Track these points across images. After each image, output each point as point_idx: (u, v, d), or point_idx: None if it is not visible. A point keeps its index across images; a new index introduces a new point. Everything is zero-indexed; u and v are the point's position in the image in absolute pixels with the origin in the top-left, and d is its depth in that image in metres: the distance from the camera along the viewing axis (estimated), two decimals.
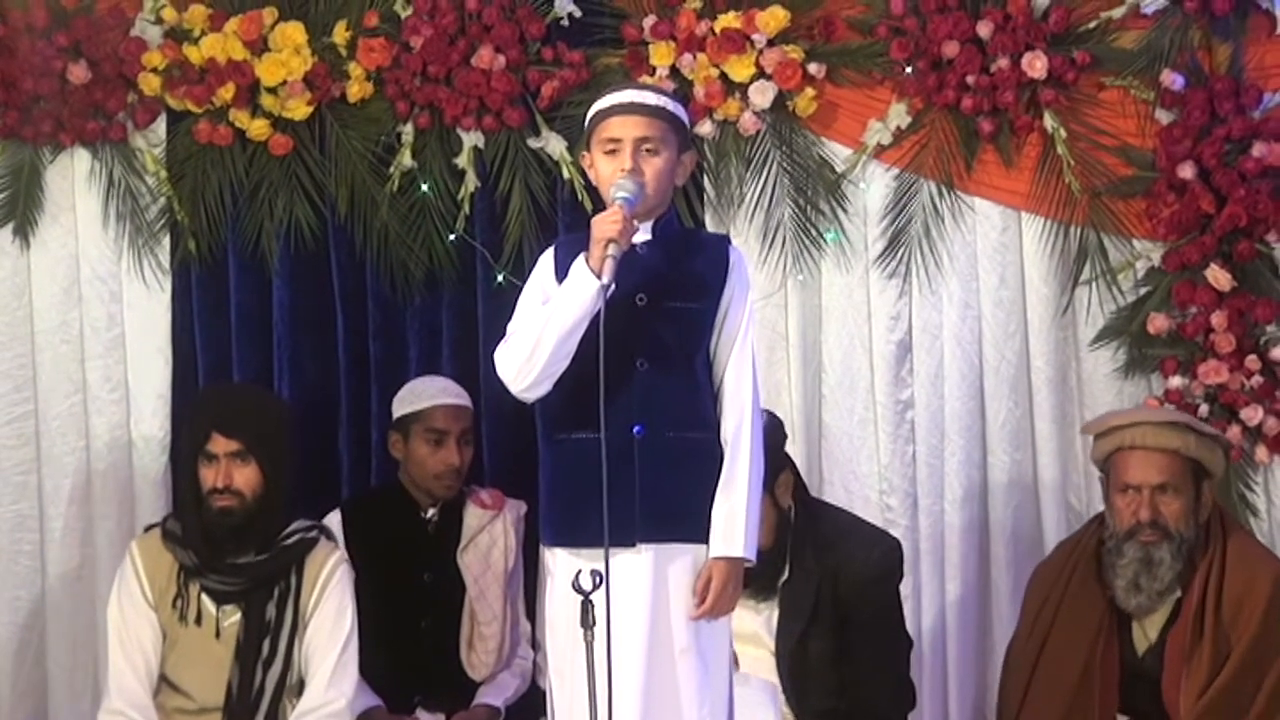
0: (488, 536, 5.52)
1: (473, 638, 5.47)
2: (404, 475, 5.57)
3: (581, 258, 3.96)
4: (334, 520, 5.38)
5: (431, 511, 5.54)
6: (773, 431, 4.84)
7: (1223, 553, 4.78)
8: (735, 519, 4.02)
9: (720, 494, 4.04)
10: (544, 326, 3.98)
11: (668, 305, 4.06)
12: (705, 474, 4.05)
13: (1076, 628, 4.84)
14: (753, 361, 4.12)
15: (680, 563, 4.05)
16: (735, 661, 4.48)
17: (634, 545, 4.01)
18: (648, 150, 4.05)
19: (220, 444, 5.02)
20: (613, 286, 3.90)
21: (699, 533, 4.04)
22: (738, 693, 4.27)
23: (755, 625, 4.90)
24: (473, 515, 5.54)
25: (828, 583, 4.88)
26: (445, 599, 5.48)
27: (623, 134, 4.04)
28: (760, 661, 4.88)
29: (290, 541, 5.07)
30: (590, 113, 4.14)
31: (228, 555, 5.01)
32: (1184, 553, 4.77)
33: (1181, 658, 4.70)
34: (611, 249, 3.89)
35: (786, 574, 4.90)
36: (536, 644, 5.56)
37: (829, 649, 4.88)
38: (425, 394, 5.56)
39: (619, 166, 4.02)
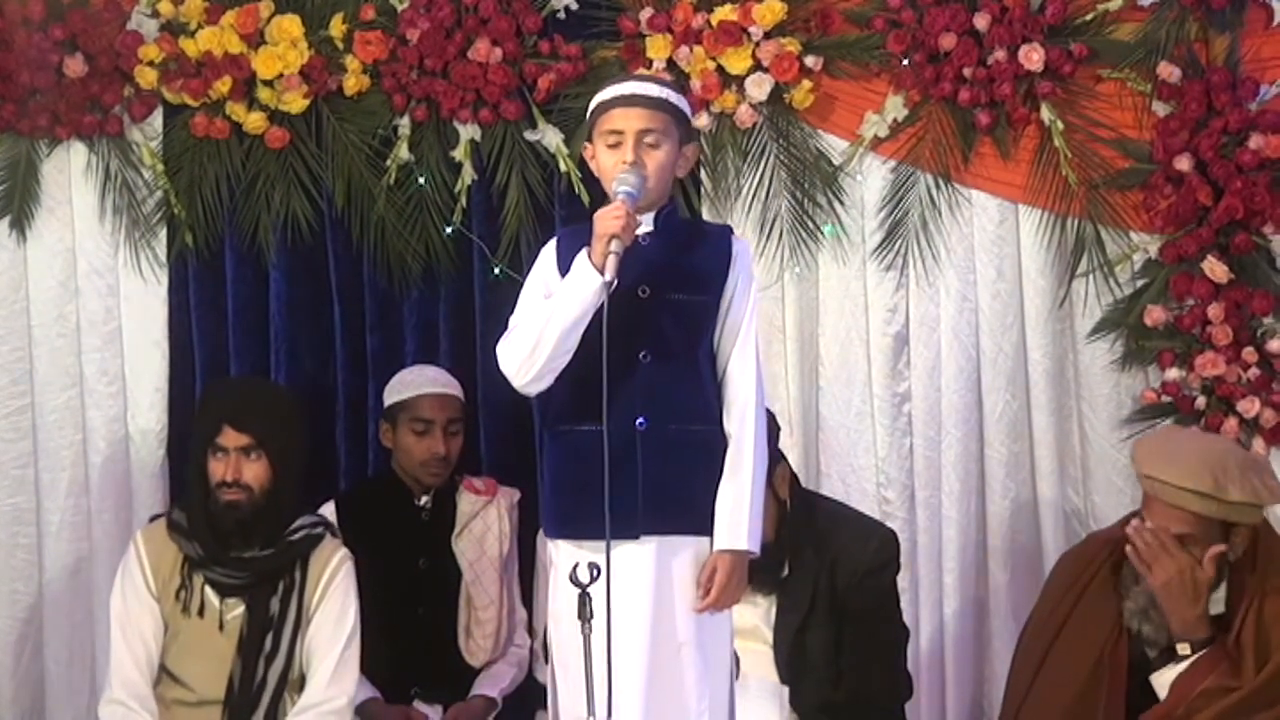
0: (481, 522, 5.54)
1: (470, 624, 5.49)
2: (395, 464, 5.60)
3: (584, 253, 3.95)
4: (328, 511, 5.38)
5: (425, 499, 5.56)
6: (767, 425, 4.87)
7: (1266, 569, 4.68)
8: (740, 512, 4.02)
9: (724, 487, 4.04)
10: (546, 322, 3.97)
11: (670, 297, 4.05)
12: (708, 466, 4.05)
13: (1094, 622, 4.78)
14: (756, 353, 4.12)
15: (683, 555, 4.06)
16: (737, 664, 4.47)
17: (636, 537, 4.00)
18: (649, 143, 4.04)
19: (231, 438, 5.01)
20: (615, 283, 3.90)
21: (702, 525, 4.05)
22: (739, 703, 4.27)
23: (755, 619, 4.90)
24: (466, 502, 5.56)
25: (825, 575, 4.89)
26: (441, 586, 5.50)
27: (625, 126, 4.04)
28: (759, 655, 4.89)
29: (296, 537, 5.06)
30: (592, 104, 4.14)
31: (233, 549, 5.01)
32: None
33: (1218, 659, 4.64)
34: (614, 245, 3.89)
35: (787, 571, 4.90)
36: (533, 631, 5.57)
37: (826, 641, 4.88)
38: (412, 383, 5.59)
39: (621, 159, 4.02)
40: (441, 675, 5.50)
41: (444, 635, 5.49)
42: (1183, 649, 4.68)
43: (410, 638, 5.45)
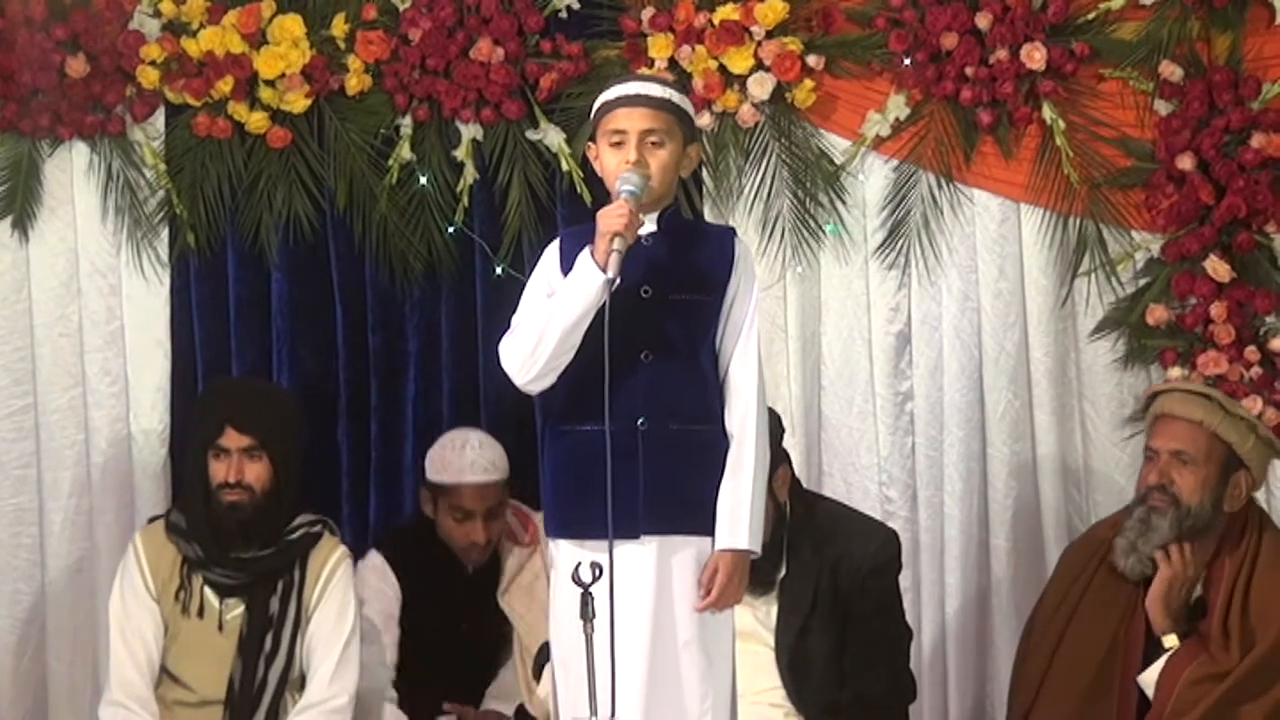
0: (529, 573, 5.51)
1: (529, 677, 5.41)
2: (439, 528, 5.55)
3: (587, 251, 3.97)
4: (375, 560, 5.40)
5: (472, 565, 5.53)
6: (771, 425, 4.85)
7: (1255, 551, 4.75)
8: (741, 511, 4.04)
9: (726, 486, 4.06)
10: (548, 320, 3.98)
11: (673, 297, 4.06)
12: (709, 466, 4.06)
13: (1104, 607, 4.85)
14: (757, 354, 4.13)
15: (684, 555, 4.07)
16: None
17: (638, 537, 4.02)
18: (653, 142, 4.05)
19: (233, 439, 5.02)
20: (618, 281, 3.91)
21: (703, 525, 4.06)
22: None
23: (753, 622, 4.88)
24: (512, 555, 5.53)
25: (826, 576, 4.88)
26: (486, 645, 5.49)
27: (628, 125, 4.05)
28: (760, 658, 4.87)
29: (294, 536, 5.08)
30: (596, 104, 4.15)
31: (234, 549, 5.02)
32: (1186, 527, 4.74)
33: (1196, 648, 4.68)
34: (617, 243, 3.90)
35: (784, 569, 4.90)
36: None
37: (829, 642, 4.88)
38: (454, 467, 5.46)
39: (624, 158, 4.03)
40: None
41: (483, 689, 5.48)
42: (1169, 641, 4.73)
43: (453, 690, 5.44)
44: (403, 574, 5.42)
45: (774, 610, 4.90)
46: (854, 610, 4.89)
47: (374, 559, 5.41)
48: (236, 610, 5.03)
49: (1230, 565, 4.77)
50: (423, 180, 5.73)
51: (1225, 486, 4.78)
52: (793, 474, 5.05)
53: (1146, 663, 4.78)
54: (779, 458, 4.86)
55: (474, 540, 5.43)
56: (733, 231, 4.30)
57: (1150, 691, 4.73)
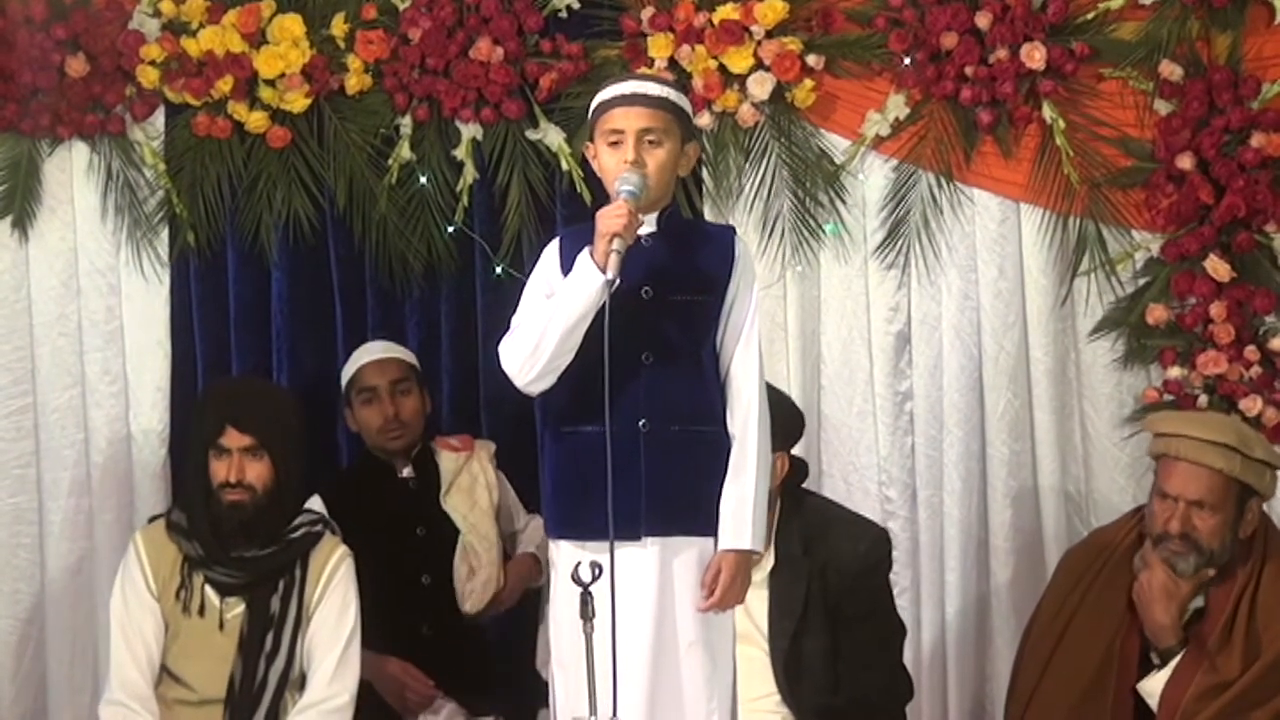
0: (467, 475, 5.56)
1: (468, 573, 5.47)
2: (367, 445, 5.61)
3: (586, 252, 3.96)
4: (314, 504, 5.35)
5: (407, 470, 5.57)
6: (790, 416, 4.92)
7: (1261, 566, 4.73)
8: (743, 511, 4.04)
9: (728, 487, 4.06)
10: (548, 321, 3.98)
11: (673, 298, 4.06)
12: (711, 467, 4.07)
13: (1101, 615, 4.83)
14: (758, 353, 4.13)
15: (686, 556, 4.08)
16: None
17: (639, 539, 4.03)
18: (650, 141, 4.04)
19: (234, 438, 5.02)
20: (618, 282, 3.91)
21: (705, 526, 4.06)
22: None
23: (746, 623, 4.84)
24: (447, 460, 5.58)
25: (817, 578, 4.85)
26: (441, 551, 5.48)
27: (625, 125, 4.04)
28: (756, 661, 4.86)
29: (296, 535, 5.07)
30: (593, 104, 4.14)
31: (234, 548, 5.01)
32: (1211, 567, 4.73)
33: (1199, 657, 4.68)
34: (616, 244, 3.90)
35: (772, 560, 4.88)
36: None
37: (823, 645, 4.85)
38: (353, 360, 5.63)
39: (622, 158, 4.03)
40: (458, 655, 5.48)
41: (451, 604, 5.47)
42: (1154, 658, 4.73)
43: (419, 610, 5.44)
44: (347, 504, 5.35)
45: (764, 607, 4.88)
46: (845, 612, 4.87)
47: (313, 501, 5.37)
48: (237, 609, 5.03)
49: (1241, 577, 4.75)
50: (422, 180, 5.74)
51: (1241, 517, 4.75)
52: (791, 469, 5.00)
53: (1142, 673, 4.77)
54: (778, 448, 4.82)
55: (384, 415, 5.51)
56: (733, 231, 4.30)
57: (1153, 702, 4.72)
